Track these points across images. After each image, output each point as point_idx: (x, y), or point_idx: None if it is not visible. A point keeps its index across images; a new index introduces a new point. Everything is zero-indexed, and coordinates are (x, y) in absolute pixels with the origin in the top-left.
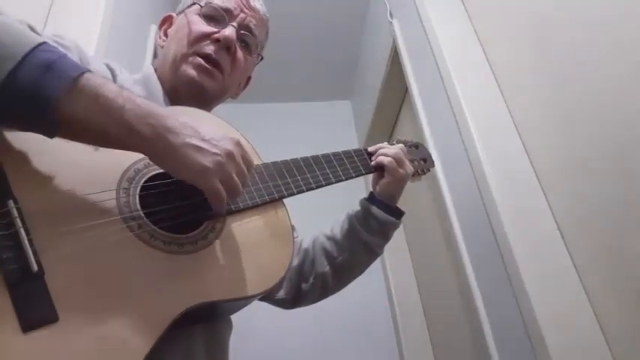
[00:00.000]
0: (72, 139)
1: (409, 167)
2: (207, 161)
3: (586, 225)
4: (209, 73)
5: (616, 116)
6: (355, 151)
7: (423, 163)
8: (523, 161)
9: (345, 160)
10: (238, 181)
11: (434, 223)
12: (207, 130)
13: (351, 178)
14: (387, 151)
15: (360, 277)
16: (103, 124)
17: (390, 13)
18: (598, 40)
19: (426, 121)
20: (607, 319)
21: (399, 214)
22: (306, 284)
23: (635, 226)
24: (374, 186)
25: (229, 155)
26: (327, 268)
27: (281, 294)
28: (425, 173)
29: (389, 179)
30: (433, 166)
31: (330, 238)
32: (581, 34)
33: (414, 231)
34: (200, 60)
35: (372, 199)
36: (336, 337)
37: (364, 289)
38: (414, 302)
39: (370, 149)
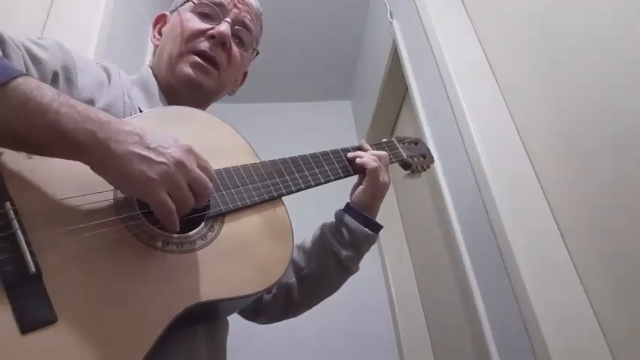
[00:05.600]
0: (6, 147)
1: (389, 176)
2: (152, 171)
3: (586, 225)
4: (205, 70)
5: (616, 116)
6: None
7: (423, 159)
8: (523, 161)
9: (344, 158)
10: (189, 193)
11: (434, 223)
12: (154, 138)
13: (350, 175)
14: (368, 156)
15: (361, 276)
16: (30, 130)
17: (390, 13)
18: (598, 39)
19: (426, 121)
20: (607, 318)
21: (376, 227)
22: (268, 295)
23: (635, 226)
24: (351, 194)
25: (178, 164)
26: (292, 280)
27: None
28: (425, 169)
29: (366, 186)
30: (433, 162)
31: (300, 248)
32: (580, 34)
33: (414, 231)
34: (196, 58)
35: (346, 208)
36: (335, 337)
37: (364, 289)
38: (414, 302)
39: (364, 146)
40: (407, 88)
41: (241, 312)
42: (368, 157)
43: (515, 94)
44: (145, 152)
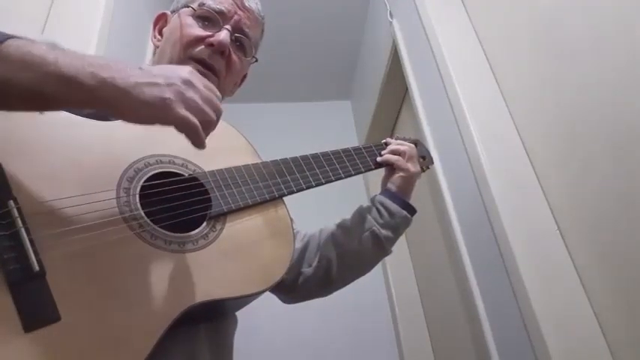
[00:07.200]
0: (12, 108)
1: (417, 166)
2: (166, 93)
3: (586, 225)
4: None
5: (616, 116)
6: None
7: (422, 160)
8: (523, 161)
9: (345, 158)
10: (207, 108)
11: (434, 223)
12: (155, 68)
13: (351, 175)
14: (396, 148)
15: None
16: (35, 83)
17: (390, 13)
18: (598, 39)
19: (426, 121)
20: (607, 319)
21: (411, 210)
22: (309, 268)
23: (635, 225)
24: (384, 183)
25: (187, 82)
26: (332, 254)
27: None
28: (424, 170)
29: (399, 174)
30: (432, 163)
31: (340, 226)
32: (580, 34)
33: (414, 231)
34: (196, 65)
35: (384, 191)
36: (336, 337)
37: (364, 289)
38: (414, 302)
39: (388, 141)
40: (407, 88)
41: (275, 288)
42: (391, 155)
43: (515, 94)
44: (153, 79)
